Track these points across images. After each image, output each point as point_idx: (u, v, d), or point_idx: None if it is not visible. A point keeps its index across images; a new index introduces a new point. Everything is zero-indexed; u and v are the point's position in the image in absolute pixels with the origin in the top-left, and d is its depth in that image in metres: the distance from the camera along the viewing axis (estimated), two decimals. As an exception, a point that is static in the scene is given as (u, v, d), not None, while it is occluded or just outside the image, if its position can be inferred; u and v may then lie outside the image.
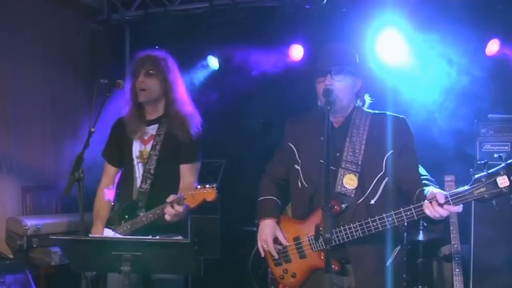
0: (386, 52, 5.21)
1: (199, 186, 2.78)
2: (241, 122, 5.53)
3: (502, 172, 2.12)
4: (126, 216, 3.08)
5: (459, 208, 2.17)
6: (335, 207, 2.42)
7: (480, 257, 3.97)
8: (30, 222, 4.65)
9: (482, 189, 2.13)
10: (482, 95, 4.83)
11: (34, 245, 4.65)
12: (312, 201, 2.56)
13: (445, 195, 2.16)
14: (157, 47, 3.31)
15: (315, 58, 2.62)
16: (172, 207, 2.81)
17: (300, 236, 2.58)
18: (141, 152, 3.14)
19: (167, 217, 2.85)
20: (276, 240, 2.63)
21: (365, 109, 2.63)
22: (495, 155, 3.91)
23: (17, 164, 5.17)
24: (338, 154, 2.52)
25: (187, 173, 3.11)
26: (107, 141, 3.29)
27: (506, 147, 4.00)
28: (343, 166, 2.50)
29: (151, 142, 3.11)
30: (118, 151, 3.22)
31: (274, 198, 2.75)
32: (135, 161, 3.14)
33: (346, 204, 2.45)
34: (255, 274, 5.09)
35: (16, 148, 5.15)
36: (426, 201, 2.20)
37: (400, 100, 5.09)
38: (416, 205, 2.25)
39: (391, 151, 2.48)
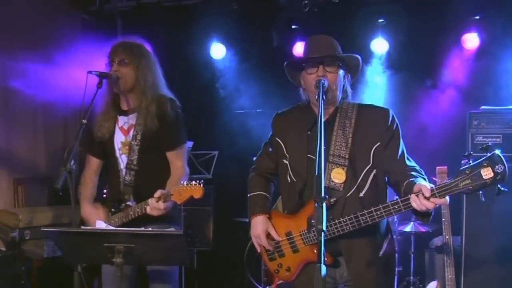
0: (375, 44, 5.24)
1: (185, 183, 2.78)
2: (234, 113, 5.52)
3: (485, 164, 2.13)
4: (113, 209, 3.08)
5: (445, 200, 2.17)
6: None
7: (471, 248, 3.99)
8: (22, 214, 4.63)
9: (467, 181, 2.14)
10: (474, 87, 4.86)
11: (27, 238, 4.63)
12: (302, 196, 2.56)
13: (431, 188, 2.17)
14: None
15: (303, 50, 2.59)
16: (157, 202, 2.81)
17: (292, 231, 2.59)
18: (123, 143, 3.12)
19: (148, 211, 2.85)
20: (268, 236, 2.64)
21: (350, 101, 2.61)
22: (479, 147, 3.93)
23: (8, 156, 5.14)
24: (325, 148, 2.47)
25: (174, 159, 3.09)
26: (90, 134, 3.22)
27: (498, 139, 4.01)
28: (330, 160, 2.49)
29: (131, 132, 3.08)
30: (99, 145, 3.19)
31: (264, 193, 2.76)
32: (118, 152, 3.12)
33: (335, 198, 2.45)
34: (249, 266, 5.10)
35: (7, 139, 5.11)
36: (413, 194, 2.21)
37: (392, 91, 5.11)
38: (403, 198, 2.26)
39: (378, 143, 2.47)
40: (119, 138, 3.12)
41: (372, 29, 5.19)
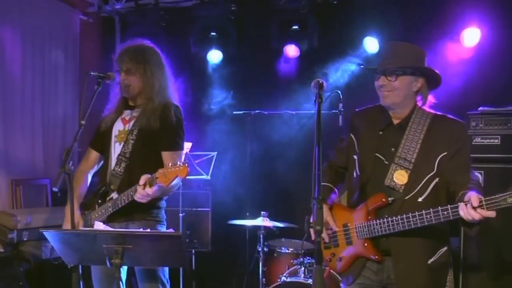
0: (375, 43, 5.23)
1: (170, 164, 2.80)
2: (232, 114, 5.53)
3: None
4: (100, 201, 3.09)
5: (492, 213, 2.20)
6: (383, 199, 2.52)
7: (470, 250, 3.99)
8: (21, 216, 4.63)
9: None
10: (472, 87, 4.85)
11: (25, 239, 4.62)
12: (365, 192, 2.62)
13: (479, 198, 2.21)
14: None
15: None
16: (144, 188, 2.81)
17: (349, 223, 2.65)
18: (120, 131, 3.16)
19: (137, 198, 2.85)
20: (327, 225, 2.68)
21: (426, 109, 2.66)
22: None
23: (6, 157, 5.14)
24: (393, 149, 2.58)
25: (168, 160, 3.09)
26: (96, 129, 3.32)
27: (496, 140, 4.01)
28: (396, 161, 2.55)
29: (131, 123, 3.14)
30: (101, 136, 3.23)
31: (330, 184, 2.81)
32: (113, 140, 3.16)
33: (392, 198, 2.51)
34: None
35: (5, 140, 5.11)
36: (462, 203, 2.25)
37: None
38: (453, 205, 2.30)
39: (445, 153, 2.52)
40: (117, 127, 3.18)
41: (364, 28, 5.21)
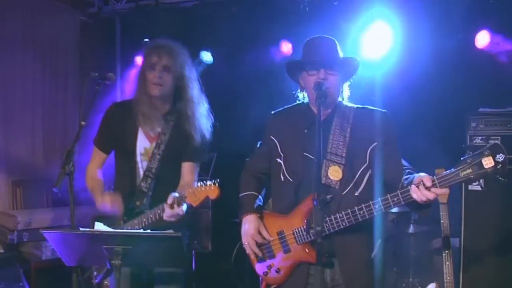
0: (375, 45, 5.23)
1: (199, 183, 2.71)
2: (232, 116, 5.52)
3: (486, 153, 2.15)
4: (125, 218, 3.00)
5: (446, 190, 2.21)
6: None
7: (470, 250, 4.00)
8: (21, 216, 4.63)
9: (468, 171, 2.17)
10: (472, 88, 4.86)
11: (25, 240, 4.63)
12: (297, 195, 2.55)
13: (432, 178, 2.20)
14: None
15: (303, 50, 2.62)
16: (172, 208, 2.72)
17: (284, 230, 2.56)
18: (146, 149, 3.03)
19: (166, 218, 2.77)
20: (259, 236, 2.61)
21: (347, 102, 2.65)
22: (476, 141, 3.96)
23: (7, 158, 5.14)
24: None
25: (188, 171, 3.02)
26: (100, 127, 3.14)
27: (496, 141, 4.02)
28: (328, 157, 2.50)
29: (156, 141, 3.01)
30: (111, 137, 3.09)
31: (255, 193, 2.74)
32: (139, 157, 3.03)
33: (331, 196, 2.46)
34: (239, 269, 5.10)
35: (6, 141, 5.11)
36: (413, 185, 2.23)
37: (390, 93, 5.11)
38: (402, 190, 2.28)
39: (375, 144, 2.50)
40: (142, 144, 3.03)
41: (364, 28, 5.21)
